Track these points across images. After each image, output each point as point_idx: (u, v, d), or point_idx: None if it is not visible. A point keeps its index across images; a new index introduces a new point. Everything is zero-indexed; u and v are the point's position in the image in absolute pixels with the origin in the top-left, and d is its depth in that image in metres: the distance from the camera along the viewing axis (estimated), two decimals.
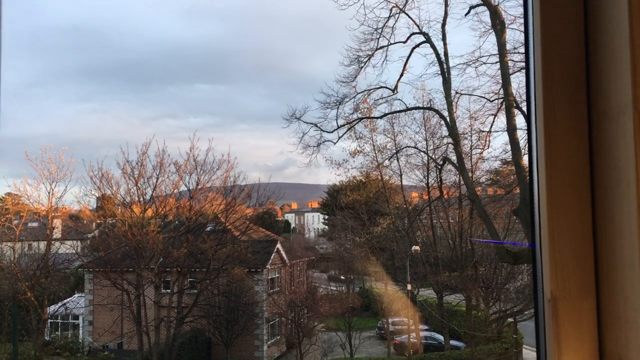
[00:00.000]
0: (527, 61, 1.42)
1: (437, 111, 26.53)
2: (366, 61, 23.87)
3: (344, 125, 25.70)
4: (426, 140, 31.15)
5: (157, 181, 28.14)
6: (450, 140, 25.32)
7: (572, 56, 1.29)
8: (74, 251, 30.15)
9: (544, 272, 1.30)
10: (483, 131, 25.46)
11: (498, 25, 18.60)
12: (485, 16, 20.22)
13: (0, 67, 1.22)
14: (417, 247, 30.46)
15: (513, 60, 19.29)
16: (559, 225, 1.26)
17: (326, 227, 61.77)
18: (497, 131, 24.57)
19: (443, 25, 21.84)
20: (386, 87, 24.71)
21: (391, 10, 22.47)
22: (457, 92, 23.32)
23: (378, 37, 23.10)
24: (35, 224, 30.94)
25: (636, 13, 1.13)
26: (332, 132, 25.32)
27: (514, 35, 19.64)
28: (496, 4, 18.94)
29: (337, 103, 25.04)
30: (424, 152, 31.51)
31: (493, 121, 23.13)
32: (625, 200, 1.14)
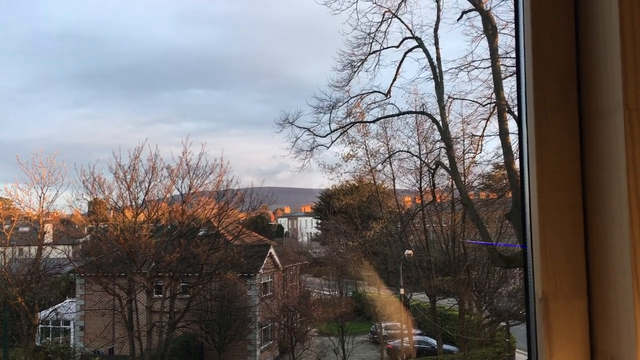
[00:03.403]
0: (517, 63, 1.43)
1: (429, 115, 26.62)
2: (359, 66, 23.94)
3: (336, 129, 25.72)
4: (419, 145, 31.25)
5: (149, 185, 28.09)
6: (442, 144, 25.39)
7: (563, 57, 1.30)
8: (65, 256, 29.96)
9: (535, 271, 1.30)
10: (475, 135, 25.54)
11: (490, 30, 18.72)
12: (478, 21, 20.35)
13: None
14: (410, 251, 30.49)
15: (505, 65, 19.41)
16: (550, 224, 1.27)
17: (319, 231, 61.73)
18: (489, 135, 24.68)
19: (435, 30, 21.95)
20: (379, 92, 24.77)
21: (384, 15, 22.58)
22: (449, 97, 23.42)
23: (371, 41, 23.20)
24: (26, 229, 30.76)
25: (626, 14, 1.14)
26: (325, 136, 25.34)
27: (506, 40, 19.76)
28: (488, 9, 19.06)
29: (330, 107, 25.08)
30: (416, 156, 31.61)
31: (485, 125, 23.20)
32: (616, 198, 1.15)
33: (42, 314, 28.99)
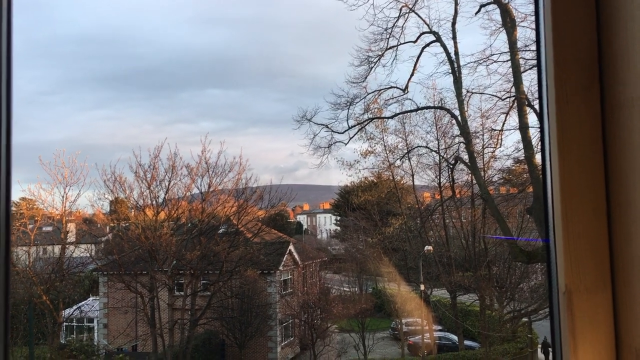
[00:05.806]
0: (538, 55, 1.42)
1: (448, 110, 26.47)
2: (376, 61, 23.89)
3: (354, 126, 25.73)
4: (438, 140, 31.05)
5: (169, 184, 28.30)
6: (461, 139, 25.23)
7: (584, 48, 1.29)
8: (88, 255, 30.37)
9: (559, 265, 1.29)
10: (495, 130, 25.31)
11: (508, 23, 18.53)
12: (496, 14, 20.18)
13: (12, 73, 1.25)
14: (430, 247, 30.35)
15: (524, 58, 19.21)
16: (574, 218, 1.26)
17: (338, 228, 61.70)
18: (509, 129, 24.47)
19: (453, 24, 21.81)
20: (397, 87, 24.70)
21: (401, 9, 22.49)
22: (468, 91, 23.26)
23: (388, 37, 23.12)
24: (49, 228, 31.22)
25: None
26: (342, 133, 25.36)
27: (525, 33, 19.58)
28: (506, 2, 18.87)
29: (348, 104, 25.09)
30: (435, 151, 31.42)
31: (505, 119, 22.99)
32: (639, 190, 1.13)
33: (67, 311, 29.41)
